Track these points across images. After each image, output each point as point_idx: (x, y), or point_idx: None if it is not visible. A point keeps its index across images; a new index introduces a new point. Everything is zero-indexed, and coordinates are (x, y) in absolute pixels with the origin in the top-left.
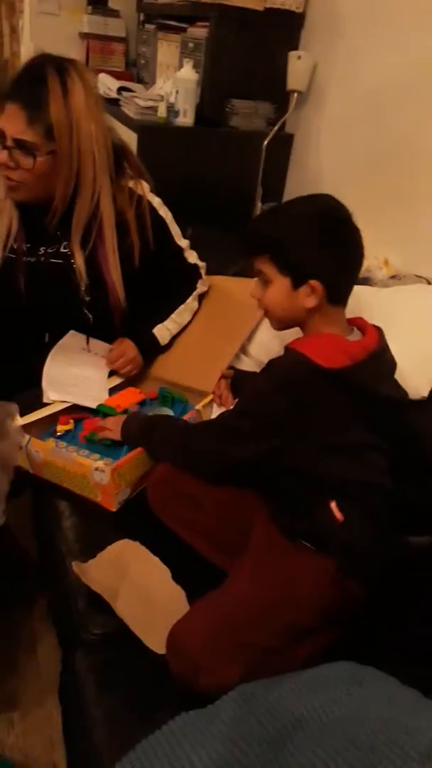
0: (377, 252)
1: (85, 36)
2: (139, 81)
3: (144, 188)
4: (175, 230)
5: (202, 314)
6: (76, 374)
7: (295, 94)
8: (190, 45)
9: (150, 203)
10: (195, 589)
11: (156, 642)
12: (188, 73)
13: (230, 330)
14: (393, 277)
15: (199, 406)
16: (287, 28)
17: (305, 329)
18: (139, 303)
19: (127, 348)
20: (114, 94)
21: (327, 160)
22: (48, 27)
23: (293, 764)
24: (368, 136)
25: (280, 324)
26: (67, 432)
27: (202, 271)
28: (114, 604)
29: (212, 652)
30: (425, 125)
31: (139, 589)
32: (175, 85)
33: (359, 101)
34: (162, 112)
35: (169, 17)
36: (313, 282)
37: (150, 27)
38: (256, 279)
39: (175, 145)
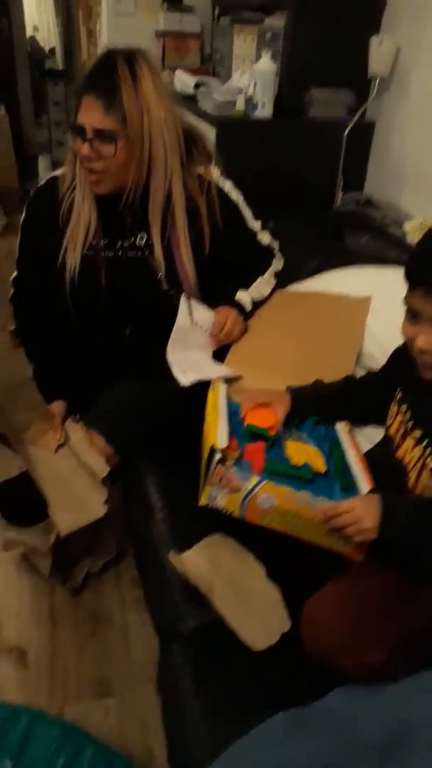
0: None
1: (161, 34)
2: (215, 75)
3: (214, 173)
4: (247, 213)
5: (305, 327)
6: (192, 357)
7: (377, 80)
8: (268, 35)
9: (220, 188)
10: (287, 590)
11: (252, 637)
12: (266, 65)
13: (341, 344)
14: None
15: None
16: (368, 12)
17: None
18: (213, 285)
19: (224, 317)
20: (191, 91)
21: (411, 148)
22: (124, 27)
23: None
24: None
25: None
26: (238, 461)
27: (276, 251)
28: (210, 597)
29: (358, 633)
30: None
31: (234, 583)
32: (252, 77)
33: None
34: (240, 105)
35: (246, 9)
36: None
37: (225, 21)
38: (428, 327)
39: (254, 139)
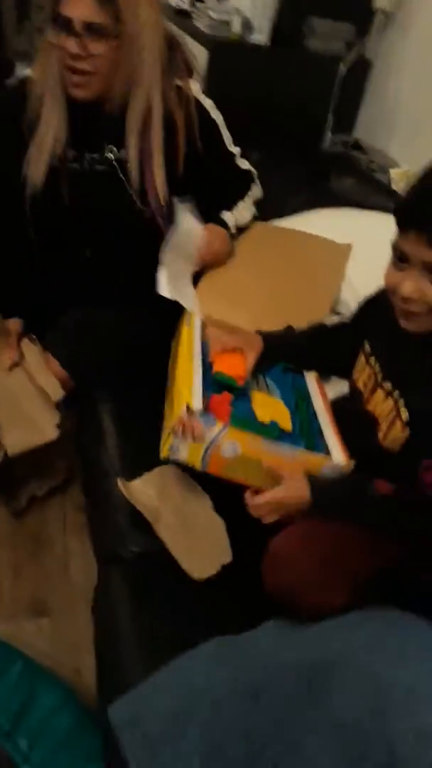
0: None
1: None
2: None
3: (194, 87)
4: (226, 135)
5: (283, 266)
6: (179, 270)
7: (381, 15)
8: None
9: (200, 103)
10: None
11: (193, 567)
12: None
13: (318, 289)
14: None
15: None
16: None
17: None
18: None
19: (214, 236)
20: (186, 6)
21: (406, 93)
22: None
23: (332, 701)
24: None
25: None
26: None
27: (255, 178)
28: (155, 525)
29: (324, 573)
30: None
31: (180, 513)
32: None
33: None
34: (236, 27)
35: None
36: None
37: None
38: (414, 272)
39: (247, 64)
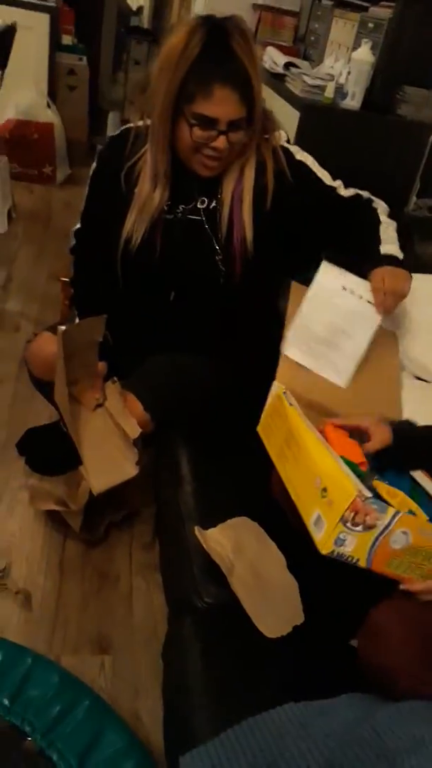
0: None
1: (258, 7)
2: (305, 58)
3: (281, 137)
4: (321, 172)
5: None
6: (333, 325)
7: None
8: (370, 25)
9: (286, 148)
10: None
11: (265, 624)
12: (365, 55)
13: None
14: None
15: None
16: None
17: None
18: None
19: (379, 276)
20: (280, 69)
21: None
22: None
23: None
24: None
25: None
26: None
27: (368, 196)
28: (229, 578)
29: (423, 657)
30: None
31: (254, 568)
32: (347, 65)
33: None
34: (330, 92)
35: None
36: None
37: (327, 3)
38: None
39: (339, 128)
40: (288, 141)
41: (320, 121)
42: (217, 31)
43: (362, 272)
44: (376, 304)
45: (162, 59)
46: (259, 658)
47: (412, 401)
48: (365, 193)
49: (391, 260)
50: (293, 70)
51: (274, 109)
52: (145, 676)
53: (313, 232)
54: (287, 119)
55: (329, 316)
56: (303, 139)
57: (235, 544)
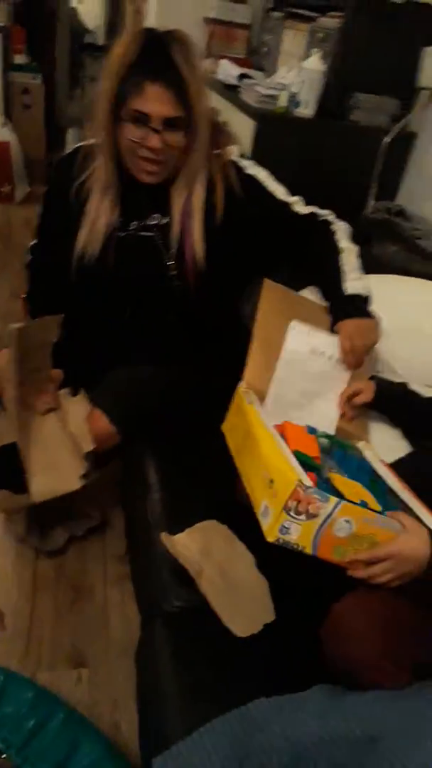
0: None
1: (210, 21)
2: (259, 69)
3: (232, 152)
4: (273, 186)
5: None
6: (305, 390)
7: (426, 92)
8: (320, 35)
9: (236, 163)
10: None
11: (235, 624)
12: (315, 64)
13: None
14: None
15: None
16: (425, 23)
17: None
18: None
19: (345, 333)
20: (234, 81)
21: None
22: (175, 10)
23: None
24: None
25: None
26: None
27: (328, 215)
28: (198, 580)
29: (390, 654)
30: None
31: (223, 569)
32: (299, 75)
33: None
34: (283, 101)
35: (299, 5)
36: None
37: (277, 15)
38: None
39: (293, 136)
40: (243, 155)
41: (276, 129)
42: (156, 40)
43: (330, 316)
44: (346, 363)
45: (104, 68)
46: (230, 658)
47: None
48: (325, 213)
49: (356, 303)
50: (247, 81)
51: (231, 120)
52: (124, 687)
53: (265, 246)
54: (243, 129)
55: (302, 383)
56: (260, 148)
57: (203, 547)
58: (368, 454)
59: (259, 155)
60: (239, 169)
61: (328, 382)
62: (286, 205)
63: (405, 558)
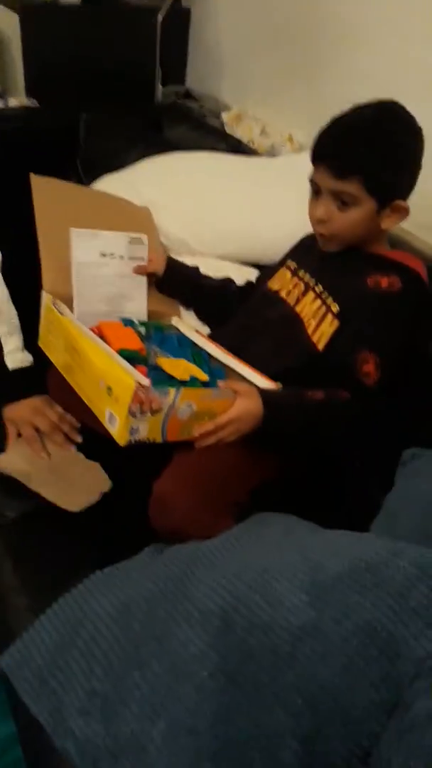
0: (281, 128)
1: None
2: None
3: None
4: None
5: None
6: (110, 296)
7: None
8: None
9: None
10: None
11: (70, 502)
12: None
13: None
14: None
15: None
16: None
17: (368, 248)
18: None
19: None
20: None
21: (227, 35)
22: None
23: (195, 593)
24: (268, 5)
25: (342, 245)
26: None
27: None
28: (28, 485)
29: (206, 508)
30: None
31: (52, 467)
32: None
33: None
34: None
35: None
36: (401, 202)
37: None
38: (325, 200)
39: (62, 27)
40: None
41: (42, 21)
42: None
43: None
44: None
45: None
46: (71, 552)
47: None
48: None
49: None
50: None
51: None
52: None
53: None
54: (9, 26)
55: (102, 289)
56: (30, 43)
57: (28, 458)
58: (183, 328)
59: (29, 52)
60: None
61: (128, 281)
62: None
63: (244, 419)
